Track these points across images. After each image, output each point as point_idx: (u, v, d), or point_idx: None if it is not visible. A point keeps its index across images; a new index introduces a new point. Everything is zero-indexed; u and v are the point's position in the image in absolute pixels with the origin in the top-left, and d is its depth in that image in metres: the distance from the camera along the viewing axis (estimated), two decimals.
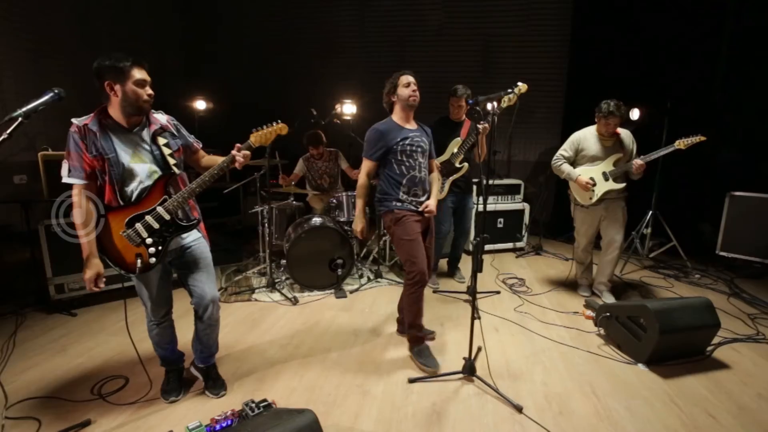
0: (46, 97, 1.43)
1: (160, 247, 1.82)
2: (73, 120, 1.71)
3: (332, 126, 4.24)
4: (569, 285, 3.65)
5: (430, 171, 2.57)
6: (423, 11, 5.59)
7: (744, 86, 4.50)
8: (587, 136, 3.20)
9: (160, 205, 1.80)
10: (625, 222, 3.21)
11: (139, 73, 1.69)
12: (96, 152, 1.70)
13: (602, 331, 2.79)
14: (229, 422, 1.72)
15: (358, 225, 2.51)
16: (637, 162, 3.01)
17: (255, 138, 1.91)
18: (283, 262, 3.62)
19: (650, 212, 4.25)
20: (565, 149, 3.27)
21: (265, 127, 1.93)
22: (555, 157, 3.29)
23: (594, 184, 3.12)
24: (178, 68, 6.10)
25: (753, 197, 3.96)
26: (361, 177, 2.47)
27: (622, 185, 3.12)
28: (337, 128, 4.34)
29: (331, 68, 5.82)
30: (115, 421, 1.91)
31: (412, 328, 2.49)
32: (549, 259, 4.63)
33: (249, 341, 2.69)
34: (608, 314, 2.69)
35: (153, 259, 1.81)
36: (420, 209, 2.43)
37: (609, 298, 3.28)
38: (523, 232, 4.83)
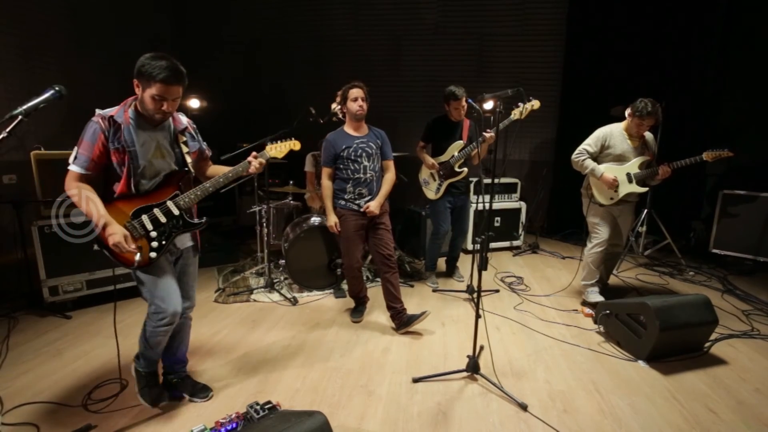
0: (47, 95, 1.39)
1: (163, 242, 1.81)
2: (98, 110, 1.69)
3: (332, 124, 4.23)
4: (567, 283, 3.67)
5: (385, 172, 2.89)
6: (419, 9, 5.59)
7: (736, 85, 4.59)
8: (614, 134, 3.05)
9: (171, 199, 1.81)
10: (632, 225, 3.11)
11: (159, 89, 1.62)
12: (118, 144, 1.67)
13: (602, 329, 2.81)
14: (234, 425, 1.69)
15: (330, 221, 2.81)
16: (665, 168, 2.90)
17: (269, 149, 2.04)
18: (282, 262, 3.59)
19: (645, 210, 4.30)
20: (590, 144, 3.08)
21: (280, 141, 2.09)
22: (577, 152, 3.10)
23: (618, 184, 3.02)
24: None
25: (744, 195, 4.04)
26: (324, 180, 2.83)
27: (644, 189, 3.02)
28: (334, 126, 4.32)
29: (326, 67, 5.78)
30: (117, 425, 1.87)
31: (353, 296, 3.09)
32: (546, 257, 4.66)
33: (249, 342, 2.66)
34: (608, 312, 2.72)
35: (154, 254, 1.79)
36: (362, 209, 2.74)
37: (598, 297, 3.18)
38: (520, 230, 4.86)
